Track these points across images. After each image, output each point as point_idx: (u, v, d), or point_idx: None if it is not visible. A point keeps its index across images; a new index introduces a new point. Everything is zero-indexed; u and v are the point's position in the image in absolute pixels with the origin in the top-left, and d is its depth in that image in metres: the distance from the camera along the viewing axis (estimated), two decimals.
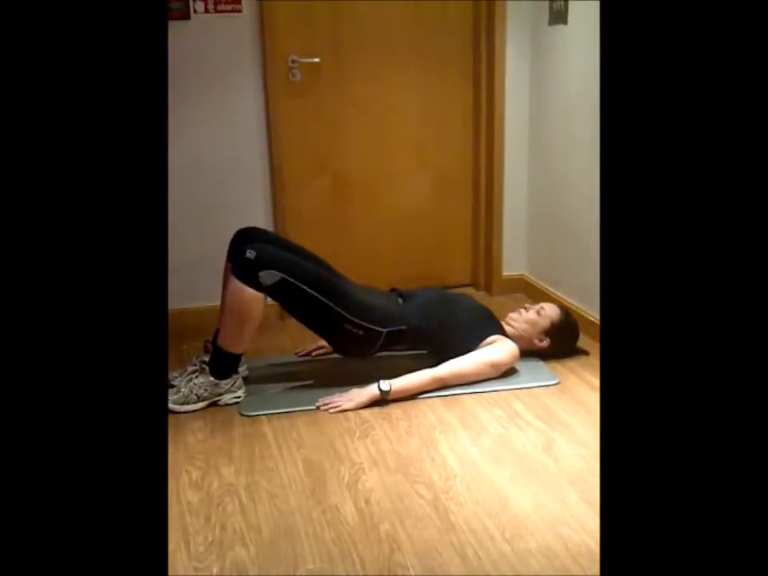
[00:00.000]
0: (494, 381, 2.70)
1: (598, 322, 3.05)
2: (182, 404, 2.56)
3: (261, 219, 3.42)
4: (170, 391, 2.57)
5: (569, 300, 3.32)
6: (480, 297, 3.70)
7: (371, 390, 2.57)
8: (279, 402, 2.62)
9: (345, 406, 2.55)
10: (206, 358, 2.61)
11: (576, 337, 2.98)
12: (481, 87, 3.59)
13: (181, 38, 3.16)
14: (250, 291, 2.48)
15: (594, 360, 2.91)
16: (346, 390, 2.62)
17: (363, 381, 2.63)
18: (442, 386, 2.66)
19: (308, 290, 2.53)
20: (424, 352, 2.78)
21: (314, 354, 3.02)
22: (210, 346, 2.64)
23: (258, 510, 2.01)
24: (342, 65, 3.46)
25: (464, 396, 2.63)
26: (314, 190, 3.57)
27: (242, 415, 2.55)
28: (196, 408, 2.57)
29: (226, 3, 3.19)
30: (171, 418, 2.50)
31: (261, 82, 3.30)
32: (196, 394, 2.57)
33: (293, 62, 3.36)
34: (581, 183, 3.16)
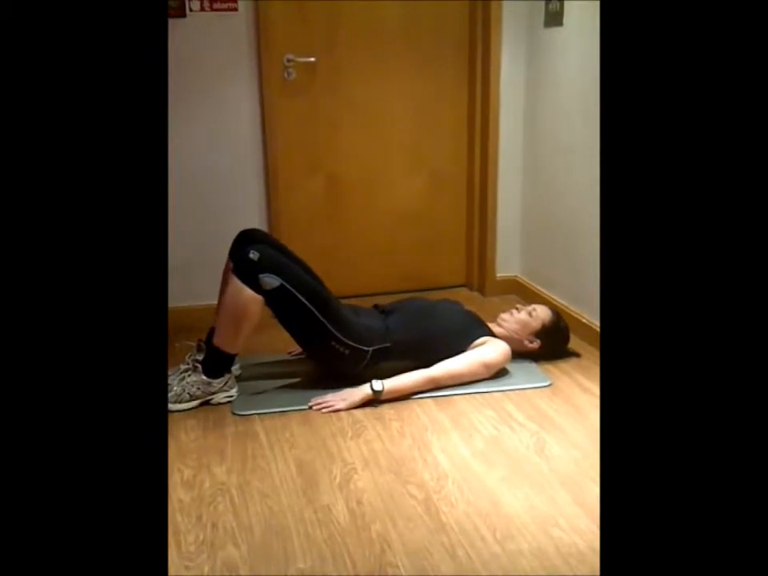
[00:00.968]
0: (486, 382, 2.71)
1: (592, 325, 3.06)
2: (175, 402, 2.56)
3: (255, 218, 3.42)
4: None
5: (562, 302, 3.32)
6: (473, 298, 3.71)
7: (364, 390, 2.58)
8: (271, 402, 2.62)
9: (337, 406, 2.55)
10: (199, 357, 2.61)
11: (567, 339, 2.99)
12: (476, 88, 3.60)
13: (176, 36, 3.15)
14: (248, 292, 2.48)
15: (586, 362, 2.92)
16: (339, 390, 2.62)
17: (355, 381, 2.63)
18: (436, 386, 2.66)
19: (303, 300, 2.53)
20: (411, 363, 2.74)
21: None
22: (203, 344, 2.64)
23: (250, 510, 2.01)
24: (338, 64, 3.46)
25: (456, 397, 2.63)
26: (309, 189, 3.57)
27: (234, 414, 2.54)
28: (189, 407, 2.57)
29: (221, 2, 3.19)
30: None
31: (256, 81, 3.29)
32: (189, 393, 2.57)
33: (288, 60, 3.36)
34: (575, 185, 3.17)
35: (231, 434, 2.42)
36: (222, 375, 2.60)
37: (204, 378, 2.58)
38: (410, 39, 3.52)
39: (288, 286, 2.50)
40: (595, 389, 2.68)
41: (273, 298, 2.52)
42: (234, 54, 3.26)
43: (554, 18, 3.21)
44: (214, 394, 2.60)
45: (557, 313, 2.98)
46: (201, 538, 1.89)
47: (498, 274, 3.79)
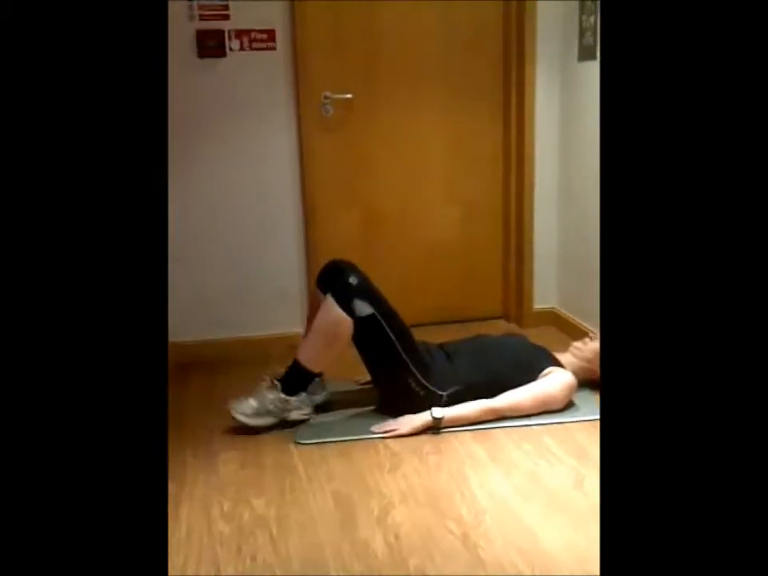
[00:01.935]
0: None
1: None
2: (251, 416, 2.63)
3: (293, 251, 3.48)
4: (239, 400, 2.65)
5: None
6: (511, 330, 3.70)
7: (424, 417, 2.60)
8: (333, 430, 2.66)
9: (401, 431, 2.58)
10: (278, 378, 2.67)
11: None
12: (511, 121, 3.62)
13: (217, 74, 3.25)
14: (341, 313, 2.57)
15: None
16: (397, 418, 2.65)
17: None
18: (497, 417, 2.66)
19: (390, 334, 2.60)
20: None
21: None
22: (273, 381, 2.68)
23: (288, 542, 2.02)
24: (374, 100, 3.52)
25: (494, 430, 2.62)
26: (345, 223, 3.62)
27: (296, 443, 2.58)
28: (264, 423, 2.64)
29: (261, 41, 3.28)
30: (202, 451, 2.54)
31: (294, 117, 3.36)
32: (266, 409, 2.63)
33: (326, 97, 3.43)
34: None
35: (270, 466, 2.44)
36: (298, 393, 2.66)
37: (282, 395, 2.63)
38: (444, 74, 3.57)
39: (378, 317, 2.58)
40: None
41: (362, 326, 2.59)
42: (273, 91, 3.33)
43: (588, 52, 3.24)
44: (289, 411, 2.66)
45: None
46: (240, 569, 1.91)
47: (536, 306, 3.78)
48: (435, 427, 2.60)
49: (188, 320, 3.37)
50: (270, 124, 3.36)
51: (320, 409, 2.81)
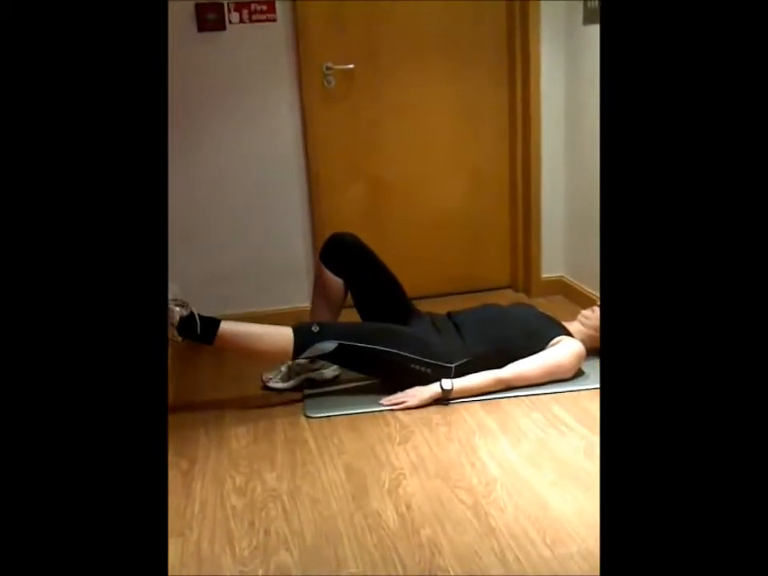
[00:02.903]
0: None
1: None
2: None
3: (299, 225, 3.47)
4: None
5: None
6: (519, 299, 3.70)
7: (433, 389, 2.61)
8: (343, 404, 2.67)
9: (409, 403, 2.59)
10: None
11: None
12: (516, 87, 3.58)
13: (217, 48, 3.22)
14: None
15: None
16: (407, 390, 2.66)
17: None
18: (506, 387, 2.66)
19: (366, 346, 2.59)
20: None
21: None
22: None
23: (301, 515, 2.04)
24: (377, 70, 3.48)
25: (503, 400, 2.63)
26: (351, 194, 3.60)
27: (307, 417, 2.60)
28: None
29: (260, 13, 3.24)
30: (214, 427, 2.56)
31: (296, 89, 3.34)
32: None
33: (327, 68, 3.40)
34: None
35: (281, 440, 2.46)
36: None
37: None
38: (448, 41, 3.52)
39: (345, 343, 2.58)
40: None
41: (335, 357, 2.62)
42: (274, 63, 3.30)
43: (593, 15, 3.19)
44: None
45: None
46: (254, 543, 1.93)
47: (543, 275, 3.77)
48: (444, 398, 2.61)
49: (196, 297, 3.34)
50: (272, 97, 3.33)
51: (330, 383, 2.83)
